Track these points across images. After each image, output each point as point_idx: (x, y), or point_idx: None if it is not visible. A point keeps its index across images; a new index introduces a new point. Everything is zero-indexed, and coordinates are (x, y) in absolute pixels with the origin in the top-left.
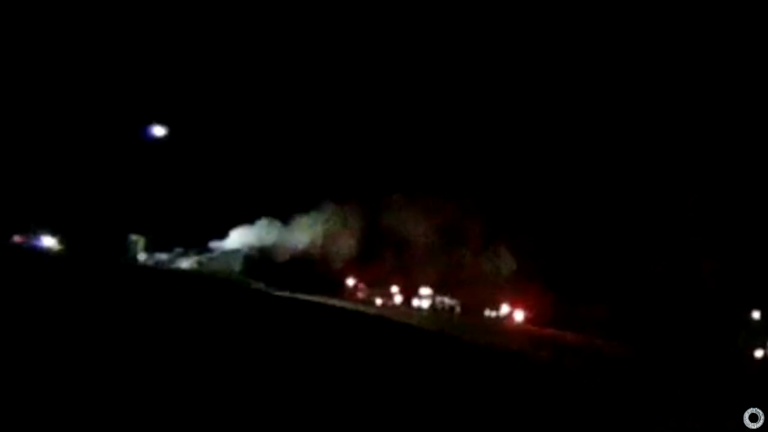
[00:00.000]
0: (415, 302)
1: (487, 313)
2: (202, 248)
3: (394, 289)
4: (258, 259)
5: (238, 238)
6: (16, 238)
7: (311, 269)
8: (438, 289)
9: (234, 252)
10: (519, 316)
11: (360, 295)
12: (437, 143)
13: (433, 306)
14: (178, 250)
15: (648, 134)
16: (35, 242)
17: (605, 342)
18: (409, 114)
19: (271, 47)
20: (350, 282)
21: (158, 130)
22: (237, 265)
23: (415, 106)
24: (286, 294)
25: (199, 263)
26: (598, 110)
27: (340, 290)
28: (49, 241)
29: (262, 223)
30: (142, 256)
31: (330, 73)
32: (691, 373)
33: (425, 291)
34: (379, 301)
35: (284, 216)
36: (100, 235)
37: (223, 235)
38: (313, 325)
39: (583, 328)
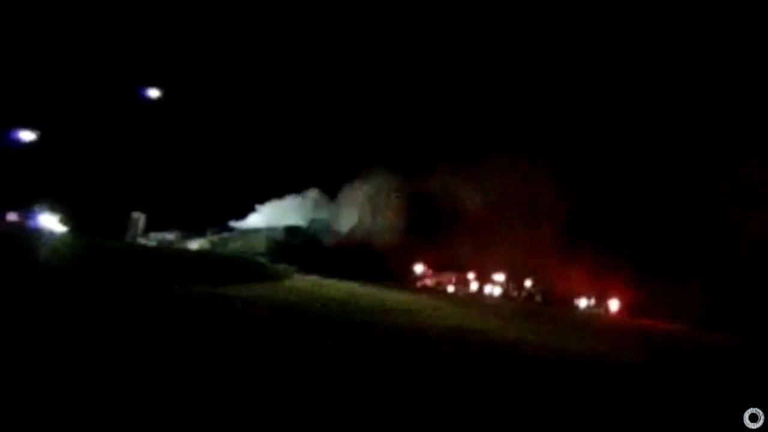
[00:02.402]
0: (487, 289)
1: (578, 302)
2: (221, 227)
3: (471, 275)
4: (292, 239)
5: (266, 216)
6: (10, 217)
7: (362, 251)
8: (515, 274)
9: (256, 231)
10: (614, 305)
11: (428, 282)
12: (496, 93)
13: (506, 294)
14: (183, 231)
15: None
16: (32, 221)
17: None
18: (458, 61)
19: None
20: (415, 267)
21: (152, 92)
22: (260, 246)
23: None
24: (315, 278)
25: (212, 243)
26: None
27: (404, 276)
28: (47, 220)
29: (308, 196)
30: (142, 237)
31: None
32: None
33: (498, 276)
34: (451, 289)
35: (327, 188)
36: (102, 213)
37: (246, 213)
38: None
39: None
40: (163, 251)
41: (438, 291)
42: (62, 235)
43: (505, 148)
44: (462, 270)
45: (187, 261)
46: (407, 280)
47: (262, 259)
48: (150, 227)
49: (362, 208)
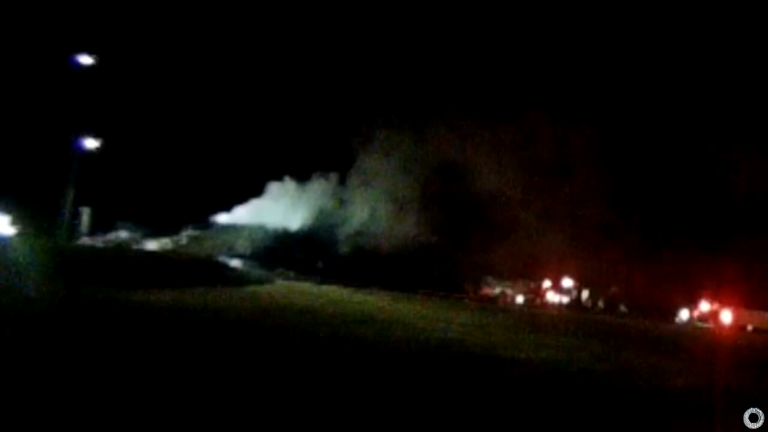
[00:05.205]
0: (555, 298)
1: (679, 313)
2: (200, 224)
3: (546, 283)
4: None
5: (259, 209)
6: None
7: (381, 252)
8: (590, 279)
9: (237, 229)
10: (726, 317)
11: (491, 291)
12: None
13: (577, 302)
14: (147, 228)
15: None
16: None
17: None
18: None
19: None
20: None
21: (85, 59)
22: (242, 246)
23: None
24: (305, 285)
25: (176, 243)
26: None
27: (450, 285)
28: None
29: (312, 184)
30: (88, 236)
31: None
32: None
33: (568, 282)
34: (520, 299)
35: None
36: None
37: (235, 205)
38: None
39: None
40: (99, 251)
41: (496, 302)
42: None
43: (558, 116)
44: (534, 277)
45: (120, 262)
46: (455, 290)
47: (238, 262)
48: (112, 223)
49: (378, 195)
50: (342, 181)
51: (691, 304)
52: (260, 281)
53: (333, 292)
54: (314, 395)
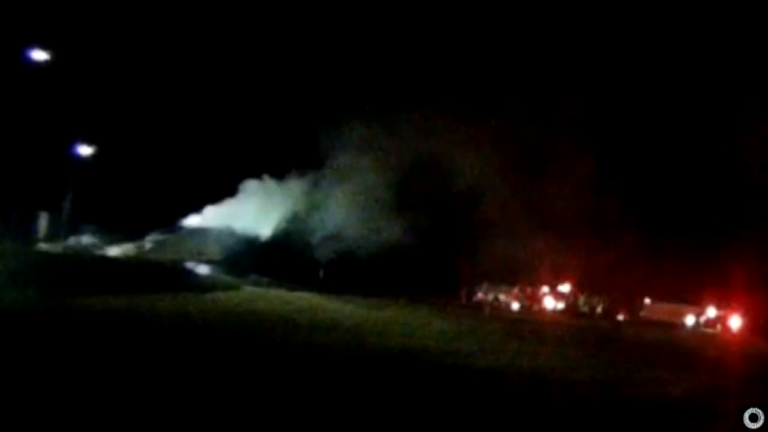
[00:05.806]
0: (551, 304)
1: (684, 319)
2: (170, 227)
3: (544, 288)
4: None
5: (229, 211)
6: None
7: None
8: (587, 282)
9: (204, 233)
10: (735, 322)
11: (485, 296)
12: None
13: (572, 308)
14: (111, 233)
15: None
16: None
17: None
18: None
19: None
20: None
21: (39, 54)
22: (211, 252)
23: None
24: (278, 292)
25: (140, 249)
26: None
27: (441, 291)
28: None
29: (290, 182)
30: (46, 241)
31: None
32: None
33: (564, 287)
34: (516, 305)
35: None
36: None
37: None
38: None
39: None
40: (56, 257)
41: (488, 307)
42: None
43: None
44: (531, 282)
45: (75, 268)
46: (447, 296)
47: (205, 268)
48: (73, 228)
49: (359, 195)
50: (319, 181)
51: (696, 309)
52: (225, 288)
53: (306, 299)
54: (258, 406)
